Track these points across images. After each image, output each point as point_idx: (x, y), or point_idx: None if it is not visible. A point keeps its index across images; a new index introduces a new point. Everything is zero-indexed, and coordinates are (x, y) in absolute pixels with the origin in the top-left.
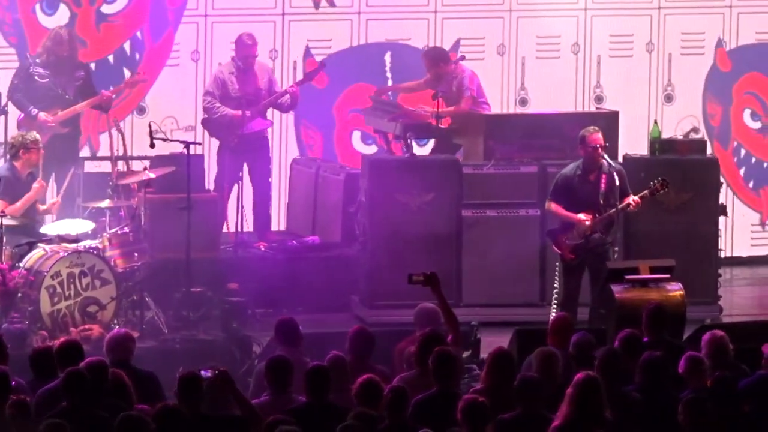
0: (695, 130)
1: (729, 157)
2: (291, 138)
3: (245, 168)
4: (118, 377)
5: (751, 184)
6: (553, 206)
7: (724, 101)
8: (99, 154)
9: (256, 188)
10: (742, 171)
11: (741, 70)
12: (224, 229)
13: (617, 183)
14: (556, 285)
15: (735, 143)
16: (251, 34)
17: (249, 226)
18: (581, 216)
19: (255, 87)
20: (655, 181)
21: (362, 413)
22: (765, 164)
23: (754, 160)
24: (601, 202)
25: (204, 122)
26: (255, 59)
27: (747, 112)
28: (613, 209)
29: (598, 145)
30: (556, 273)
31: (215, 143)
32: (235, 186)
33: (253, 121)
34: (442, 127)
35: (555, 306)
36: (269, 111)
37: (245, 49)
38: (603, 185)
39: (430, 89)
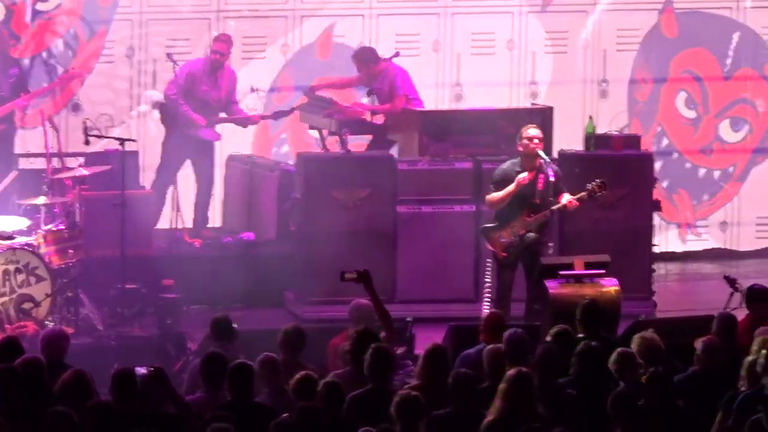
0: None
1: (647, 143)
2: (227, 136)
3: (188, 166)
4: (79, 376)
5: (665, 184)
6: (494, 193)
7: (659, 73)
8: (33, 151)
9: (199, 187)
10: (658, 165)
11: (687, 42)
12: (160, 221)
13: (552, 181)
14: (487, 280)
15: (659, 128)
16: (228, 35)
17: (184, 222)
18: (523, 175)
19: (219, 96)
20: (594, 183)
21: (305, 407)
22: (687, 164)
23: (675, 155)
24: (537, 201)
25: (161, 107)
26: (224, 59)
27: (681, 96)
28: (548, 210)
29: (531, 137)
30: (488, 269)
31: (151, 140)
32: (171, 184)
33: (205, 130)
34: (377, 123)
35: (487, 302)
36: None
37: (217, 44)
38: (540, 184)
39: (363, 86)
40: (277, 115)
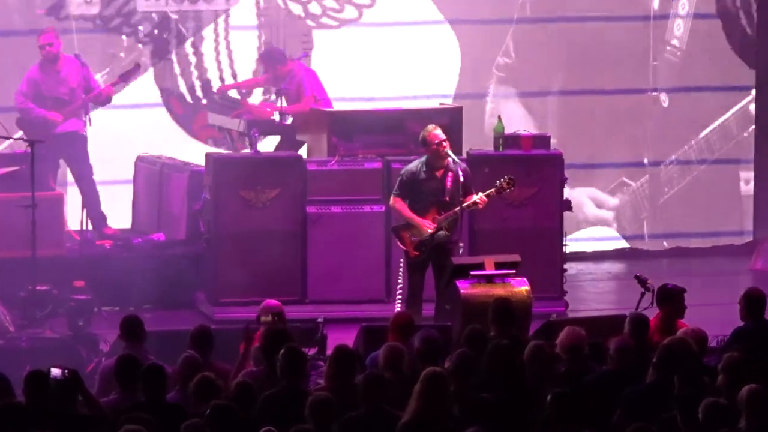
0: None
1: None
2: (137, 135)
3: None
4: None
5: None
6: (398, 204)
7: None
8: None
9: (80, 185)
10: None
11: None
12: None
13: (462, 180)
14: (400, 281)
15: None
16: (52, 28)
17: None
18: (426, 222)
19: (68, 87)
20: (502, 179)
21: (217, 406)
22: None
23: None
24: (447, 199)
25: (18, 122)
26: (54, 49)
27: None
28: (458, 207)
29: (440, 141)
30: (400, 269)
31: None
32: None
33: (68, 122)
34: (286, 123)
35: (399, 302)
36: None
37: (41, 37)
38: (449, 183)
39: (270, 86)
40: (126, 77)
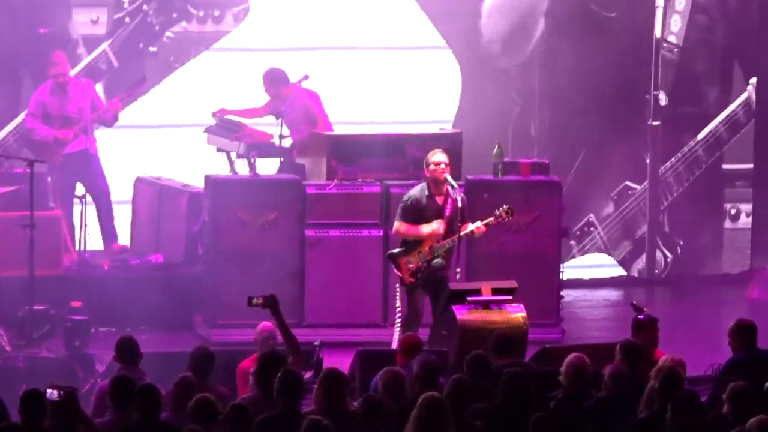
0: None
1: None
2: (136, 156)
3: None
4: None
5: None
6: (403, 228)
7: None
8: None
9: (96, 203)
10: None
11: None
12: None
13: (459, 207)
14: (398, 306)
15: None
16: (60, 52)
17: (92, 244)
18: (434, 224)
19: (77, 105)
20: (501, 209)
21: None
22: None
23: None
24: (445, 226)
25: (29, 143)
26: (66, 77)
27: None
28: (455, 236)
29: (437, 163)
30: (398, 294)
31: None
32: (77, 203)
33: (77, 140)
34: (286, 147)
35: (398, 327)
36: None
37: (53, 68)
38: (448, 211)
39: (270, 114)
40: (132, 91)
